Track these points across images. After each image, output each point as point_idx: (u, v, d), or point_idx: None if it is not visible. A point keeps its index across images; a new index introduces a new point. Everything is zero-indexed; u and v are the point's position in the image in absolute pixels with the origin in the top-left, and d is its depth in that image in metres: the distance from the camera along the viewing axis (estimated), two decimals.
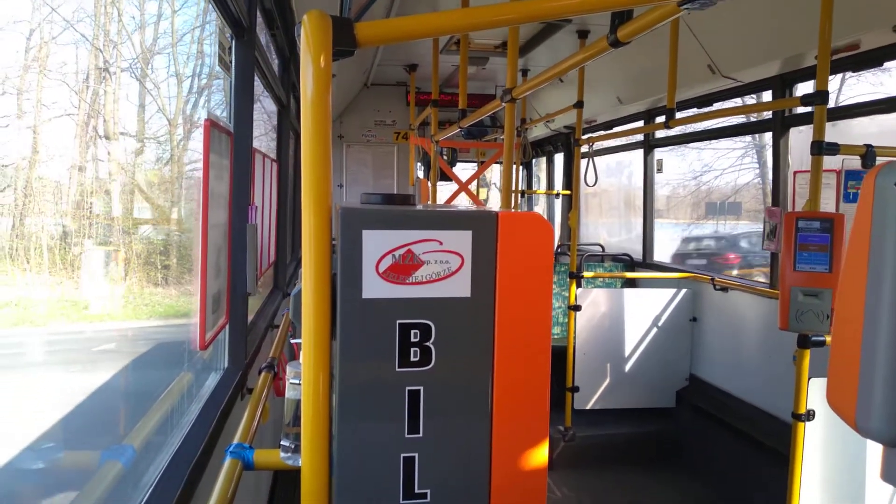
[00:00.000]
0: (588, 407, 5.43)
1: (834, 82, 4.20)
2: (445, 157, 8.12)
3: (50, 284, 1.67)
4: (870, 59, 3.65)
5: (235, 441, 1.70)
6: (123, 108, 2.27)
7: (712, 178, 6.15)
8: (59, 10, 1.71)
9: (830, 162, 3.55)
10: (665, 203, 7.06)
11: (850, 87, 4.66)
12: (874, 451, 2.87)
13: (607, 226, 8.25)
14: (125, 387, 2.01)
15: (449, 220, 1.18)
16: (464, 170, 9.51)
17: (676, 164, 6.38)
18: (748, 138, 4.74)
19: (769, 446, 4.24)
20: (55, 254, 1.69)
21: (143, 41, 2.52)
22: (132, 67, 2.40)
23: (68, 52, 1.78)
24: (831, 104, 3.33)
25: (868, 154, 3.18)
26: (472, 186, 7.38)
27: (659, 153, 6.26)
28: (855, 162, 3.56)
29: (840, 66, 3.80)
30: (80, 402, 1.67)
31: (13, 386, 1.52)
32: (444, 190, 9.32)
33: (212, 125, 1.95)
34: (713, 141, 5.66)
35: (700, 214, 6.66)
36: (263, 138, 4.49)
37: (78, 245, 1.79)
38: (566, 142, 8.05)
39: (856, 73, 3.96)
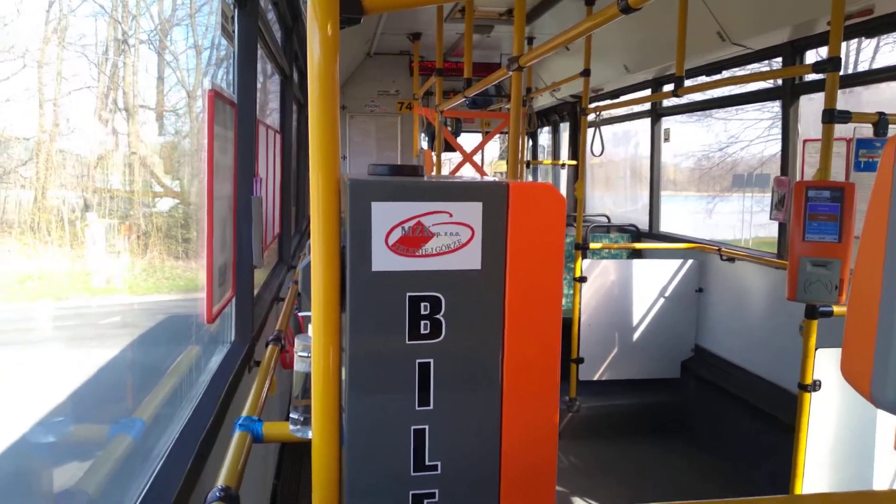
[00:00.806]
0: (593, 378, 5.46)
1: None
2: (450, 128, 8.05)
3: (71, 258, 1.67)
4: (884, 25, 3.58)
5: (244, 414, 1.71)
6: (142, 80, 2.25)
7: (738, 150, 6.07)
8: None
9: (840, 131, 3.50)
10: (689, 175, 6.99)
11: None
12: (885, 423, 2.87)
13: (614, 197, 8.20)
14: (135, 360, 2.01)
15: (459, 191, 1.16)
16: (468, 140, 9.44)
17: (703, 135, 6.29)
18: (776, 108, 4.67)
19: (775, 417, 4.26)
20: (76, 227, 1.68)
21: (162, 12, 2.48)
22: (151, 39, 2.37)
23: (87, 24, 1.75)
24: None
25: (881, 122, 3.13)
26: (477, 158, 7.32)
27: (670, 122, 6.20)
28: (866, 130, 3.51)
29: (853, 32, 3.73)
30: (92, 375, 1.67)
31: (27, 360, 1.53)
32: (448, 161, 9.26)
33: (216, 95, 1.92)
34: (739, 111, 5.59)
35: (725, 186, 6.60)
36: (272, 112, 4.45)
37: (98, 218, 1.78)
38: (572, 111, 7.97)
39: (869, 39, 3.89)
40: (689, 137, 6.47)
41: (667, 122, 6.19)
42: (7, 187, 1.46)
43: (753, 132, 5.76)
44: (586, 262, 5.40)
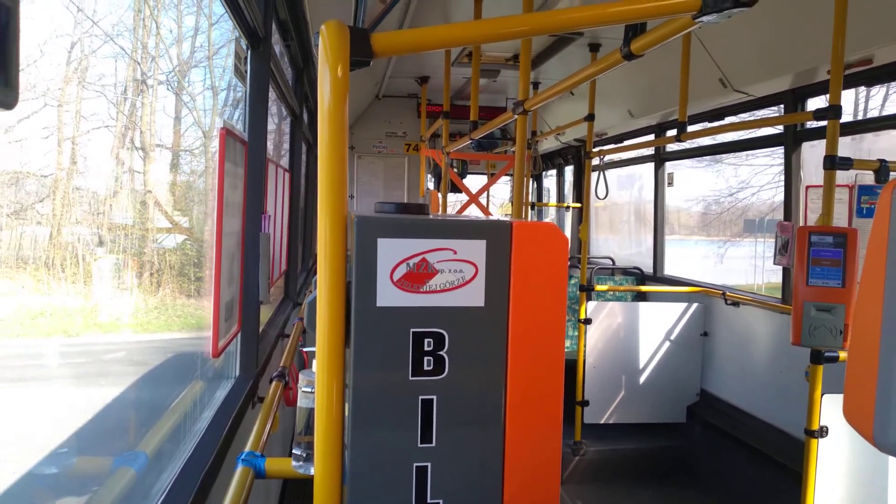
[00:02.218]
0: (598, 421, 5.40)
1: (850, 98, 4.20)
2: (456, 169, 8.14)
3: (84, 294, 1.69)
4: (883, 74, 3.64)
5: (247, 449, 1.71)
6: (160, 119, 2.31)
7: (749, 195, 6.11)
8: (100, 24, 1.74)
9: (843, 177, 3.54)
10: (700, 220, 7.02)
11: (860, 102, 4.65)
12: None
13: (618, 240, 8.22)
14: (139, 397, 2.02)
15: (463, 229, 1.19)
16: (474, 181, 9.53)
17: (713, 180, 6.34)
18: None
19: (781, 463, 4.19)
20: (89, 264, 1.71)
21: (180, 54, 2.55)
22: (169, 80, 2.43)
23: (107, 64, 1.80)
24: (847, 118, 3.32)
25: (882, 169, 3.17)
26: (483, 199, 7.38)
27: (680, 167, 6.25)
28: (868, 177, 3.55)
29: (853, 81, 3.80)
30: (99, 411, 1.68)
31: (38, 394, 1.54)
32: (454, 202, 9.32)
33: (227, 133, 1.97)
34: (749, 157, 5.64)
35: (736, 231, 6.62)
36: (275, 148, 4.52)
37: (111, 254, 1.81)
38: (577, 154, 8.06)
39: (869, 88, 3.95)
40: (699, 182, 6.50)
41: (676, 167, 6.24)
42: (24, 223, 1.49)
43: (764, 178, 5.80)
44: (591, 304, 5.40)
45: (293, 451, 1.53)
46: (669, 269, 6.30)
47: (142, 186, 2.21)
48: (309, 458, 1.49)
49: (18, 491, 1.26)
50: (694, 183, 6.46)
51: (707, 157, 6.04)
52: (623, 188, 7.82)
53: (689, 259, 6.81)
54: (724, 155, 5.90)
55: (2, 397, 1.40)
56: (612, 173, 7.28)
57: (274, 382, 2.41)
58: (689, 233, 7.05)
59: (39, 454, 1.37)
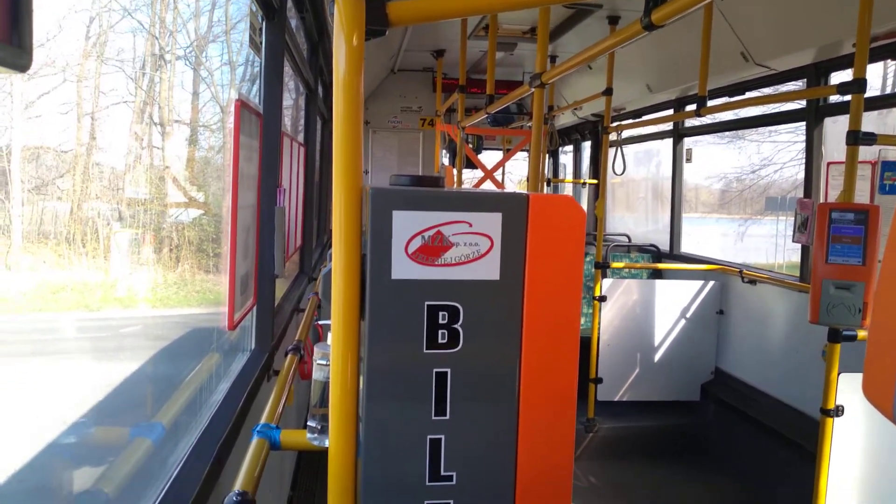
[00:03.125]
0: (612, 399, 5.41)
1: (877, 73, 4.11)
2: (471, 145, 8.09)
3: (104, 269, 1.70)
4: None
5: (262, 421, 1.72)
6: (178, 95, 2.30)
7: (772, 172, 6.01)
8: None
9: (865, 154, 3.47)
10: (719, 197, 6.93)
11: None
12: None
13: (635, 217, 8.16)
14: (157, 371, 2.04)
15: (479, 201, 1.17)
16: (490, 157, 9.48)
17: (734, 157, 6.24)
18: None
19: (795, 442, 4.18)
20: (109, 239, 1.72)
21: (198, 29, 2.53)
22: (187, 55, 2.42)
23: (126, 40, 1.80)
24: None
25: None
26: (498, 174, 7.34)
27: (701, 143, 6.17)
28: (892, 153, 3.48)
29: (880, 54, 3.71)
30: (119, 383, 1.70)
31: (69, 366, 1.56)
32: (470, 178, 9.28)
33: (242, 105, 1.96)
34: (772, 133, 5.55)
35: (758, 209, 6.53)
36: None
37: (130, 230, 1.82)
38: (594, 130, 7.97)
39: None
40: (720, 159, 6.41)
41: (697, 143, 6.15)
42: (44, 199, 1.50)
43: (787, 154, 5.71)
44: (606, 281, 5.37)
45: (308, 424, 1.53)
46: (690, 248, 6.24)
47: (160, 162, 2.22)
48: (324, 431, 1.50)
49: (40, 461, 1.28)
50: (716, 160, 6.36)
51: (729, 134, 5.94)
52: (641, 164, 7.74)
53: (709, 236, 6.74)
54: (746, 131, 5.80)
55: (24, 371, 1.42)
56: (630, 149, 7.20)
57: (289, 356, 2.42)
58: (709, 210, 6.97)
59: (60, 426, 1.39)
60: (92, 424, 1.52)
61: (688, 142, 6.14)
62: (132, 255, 1.87)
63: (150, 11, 2.04)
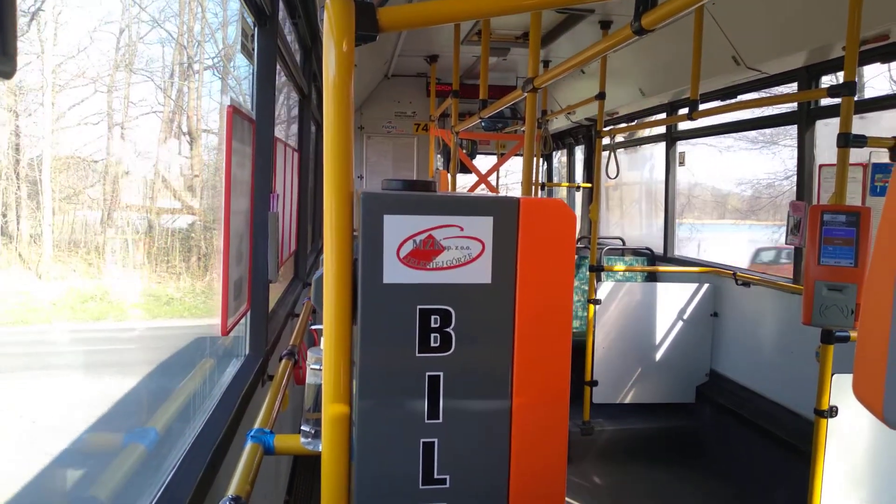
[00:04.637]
0: (607, 401, 5.41)
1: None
2: (465, 149, 8.11)
3: (132, 279, 1.70)
4: None
5: (256, 426, 1.72)
6: (206, 104, 2.30)
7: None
8: (148, 9, 1.74)
9: (857, 156, 3.49)
10: (750, 203, 6.90)
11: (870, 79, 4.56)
12: None
13: (630, 221, 8.18)
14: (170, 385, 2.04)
15: (470, 205, 1.18)
16: (484, 162, 9.49)
17: (768, 162, 6.20)
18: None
19: (790, 443, 4.19)
20: (138, 247, 1.72)
21: (226, 38, 2.53)
22: (215, 64, 2.42)
23: (154, 49, 1.81)
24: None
25: None
26: (494, 180, 7.36)
27: (684, 146, 6.19)
28: (883, 155, 3.50)
29: (869, 58, 3.73)
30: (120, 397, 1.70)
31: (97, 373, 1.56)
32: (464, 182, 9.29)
33: (234, 111, 1.96)
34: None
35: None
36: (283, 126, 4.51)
37: (158, 239, 1.82)
38: (587, 134, 8.00)
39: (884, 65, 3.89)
40: (752, 164, 6.35)
41: (729, 149, 6.11)
42: (76, 207, 1.50)
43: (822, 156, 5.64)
44: (601, 284, 5.38)
45: (302, 428, 1.54)
46: (719, 257, 6.14)
47: (189, 171, 2.22)
48: (317, 435, 1.50)
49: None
50: (746, 165, 6.32)
51: (762, 138, 5.94)
52: (637, 168, 7.76)
53: (739, 244, 6.68)
54: (779, 136, 5.79)
55: (50, 386, 1.42)
56: (625, 154, 7.22)
57: (283, 360, 2.42)
58: (740, 217, 6.92)
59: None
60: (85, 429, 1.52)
61: (718, 146, 6.06)
62: (161, 265, 1.87)
63: (178, 21, 2.05)
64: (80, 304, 1.53)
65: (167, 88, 1.89)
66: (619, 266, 6.15)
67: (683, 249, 6.47)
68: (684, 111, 4.44)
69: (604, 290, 5.40)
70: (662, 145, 6.31)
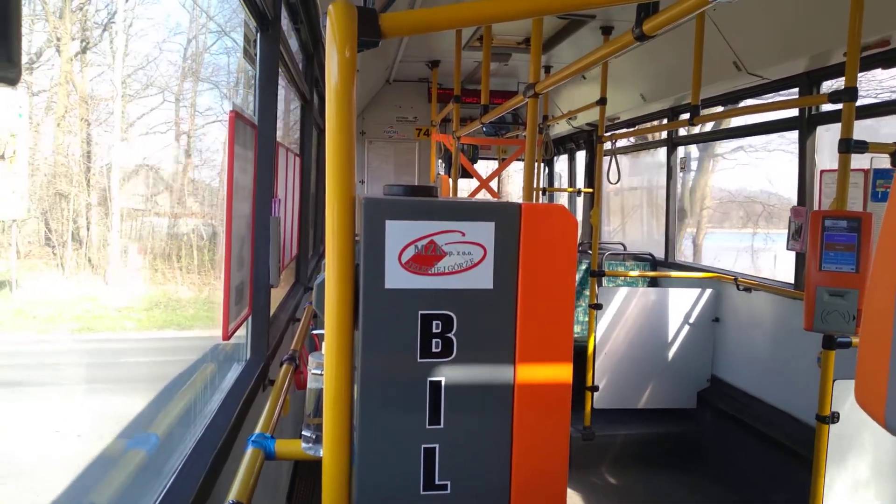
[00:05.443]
0: (608, 407, 5.40)
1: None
2: (467, 154, 8.11)
3: (198, 285, 1.70)
4: None
5: (257, 431, 1.72)
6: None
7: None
8: (215, 18, 1.76)
9: (858, 162, 3.49)
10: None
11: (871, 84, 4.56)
12: None
13: (630, 226, 8.17)
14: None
15: (472, 211, 1.18)
16: (485, 167, 9.50)
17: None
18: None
19: (791, 449, 4.18)
20: (203, 254, 1.72)
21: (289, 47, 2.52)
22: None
23: (220, 59, 1.82)
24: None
25: None
26: (493, 184, 7.36)
27: (684, 152, 6.20)
28: (884, 161, 3.50)
29: (870, 63, 3.74)
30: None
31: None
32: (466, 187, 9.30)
33: (237, 116, 1.96)
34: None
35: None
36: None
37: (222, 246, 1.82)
38: (588, 139, 8.00)
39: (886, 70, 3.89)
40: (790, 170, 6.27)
41: (763, 148, 6.07)
42: (144, 215, 1.50)
43: (858, 162, 5.55)
44: (602, 289, 5.38)
45: (303, 433, 1.53)
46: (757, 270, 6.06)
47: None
48: (318, 440, 1.50)
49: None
50: (784, 170, 6.24)
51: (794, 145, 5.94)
52: (640, 174, 7.76)
53: (780, 254, 6.62)
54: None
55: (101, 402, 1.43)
56: (627, 159, 7.22)
57: (284, 365, 2.42)
58: (773, 226, 6.84)
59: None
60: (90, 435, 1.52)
61: (749, 148, 5.99)
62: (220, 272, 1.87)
63: (242, 31, 2.06)
64: (144, 312, 1.52)
65: (232, 96, 1.90)
66: (620, 271, 6.15)
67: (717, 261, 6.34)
68: (685, 116, 4.45)
69: (605, 295, 5.40)
70: (664, 150, 6.31)
